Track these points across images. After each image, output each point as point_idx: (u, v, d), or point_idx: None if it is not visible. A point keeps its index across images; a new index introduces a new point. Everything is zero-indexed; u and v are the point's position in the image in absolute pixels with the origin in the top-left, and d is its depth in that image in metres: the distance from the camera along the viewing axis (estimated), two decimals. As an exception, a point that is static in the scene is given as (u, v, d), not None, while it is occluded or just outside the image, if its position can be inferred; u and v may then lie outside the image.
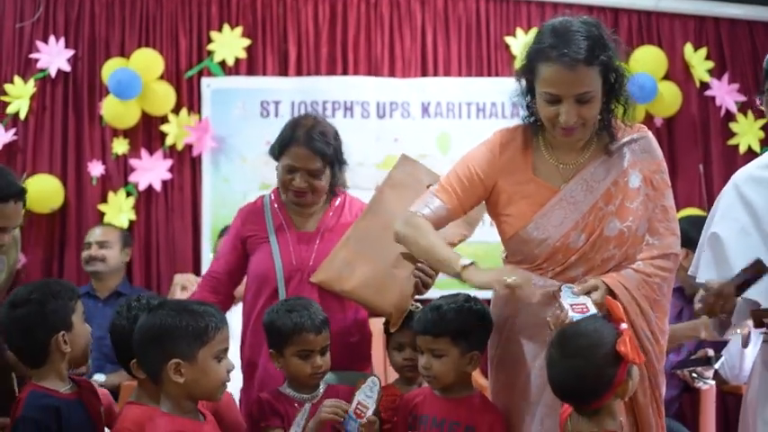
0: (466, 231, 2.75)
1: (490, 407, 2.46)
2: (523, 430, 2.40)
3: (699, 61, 4.83)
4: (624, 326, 2.05)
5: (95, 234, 4.39)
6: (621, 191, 2.37)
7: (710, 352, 3.29)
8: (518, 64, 2.41)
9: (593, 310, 2.17)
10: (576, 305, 2.18)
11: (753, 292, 2.24)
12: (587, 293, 2.26)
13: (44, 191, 4.58)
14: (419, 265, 2.67)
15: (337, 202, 2.91)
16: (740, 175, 2.39)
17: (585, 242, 2.35)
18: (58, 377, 2.29)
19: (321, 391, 2.52)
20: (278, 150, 2.84)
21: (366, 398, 2.38)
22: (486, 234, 2.98)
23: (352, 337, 2.80)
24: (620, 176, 2.38)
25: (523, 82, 2.38)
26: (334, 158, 2.82)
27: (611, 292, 2.28)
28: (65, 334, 2.27)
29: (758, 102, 2.38)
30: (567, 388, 2.05)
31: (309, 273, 2.76)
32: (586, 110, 2.29)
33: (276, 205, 2.90)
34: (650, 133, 2.48)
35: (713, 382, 3.38)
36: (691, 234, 3.29)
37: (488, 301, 2.56)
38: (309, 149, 2.76)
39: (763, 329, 2.22)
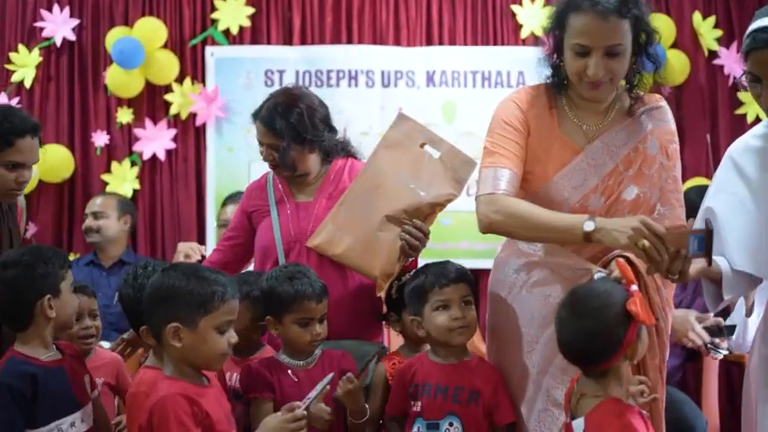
0: (454, 190, 2.69)
1: (489, 369, 2.48)
2: (525, 397, 2.40)
3: (707, 30, 4.78)
4: (635, 287, 2.03)
5: (93, 204, 4.40)
6: (641, 156, 2.36)
7: (722, 321, 3.27)
8: (545, 20, 2.38)
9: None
10: None
11: (746, 264, 2.22)
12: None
13: (55, 160, 4.59)
14: (405, 227, 2.64)
15: (337, 168, 2.90)
16: (736, 146, 2.36)
17: (603, 204, 2.34)
18: (41, 343, 2.27)
19: (316, 356, 2.51)
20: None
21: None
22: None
23: (357, 305, 2.77)
24: (640, 142, 2.37)
25: (551, 40, 2.36)
26: (291, 135, 2.77)
27: (631, 266, 2.22)
28: (51, 299, 2.26)
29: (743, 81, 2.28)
30: (577, 348, 2.04)
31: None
32: (615, 63, 2.26)
33: (277, 179, 2.92)
34: (666, 103, 2.48)
35: (727, 352, 3.35)
36: (698, 204, 3.27)
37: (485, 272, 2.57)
38: (264, 125, 2.81)
39: None
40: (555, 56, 2.37)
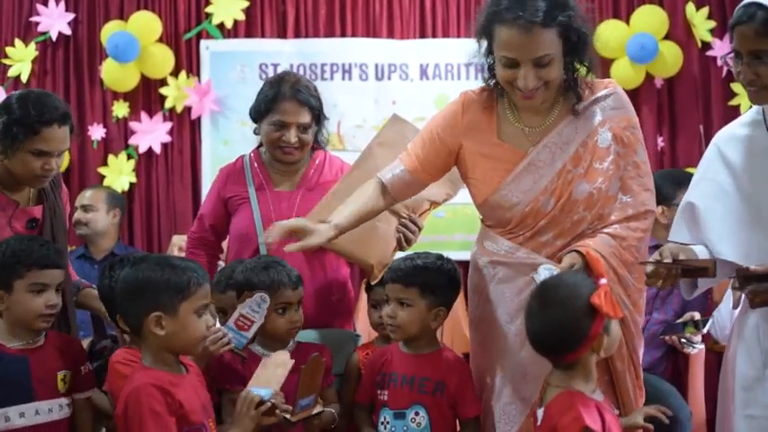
0: (450, 190, 2.75)
1: (457, 362, 2.51)
2: (495, 391, 2.41)
3: (700, 21, 4.77)
4: (603, 281, 2.04)
5: (83, 198, 4.42)
6: (590, 152, 2.32)
7: (697, 315, 3.28)
8: (476, 25, 2.33)
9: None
10: None
11: (729, 253, 2.24)
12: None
13: (50, 154, 4.63)
14: (402, 220, 2.71)
15: (318, 161, 2.93)
16: (721, 134, 2.36)
17: (554, 206, 2.32)
18: (10, 332, 2.36)
19: (290, 349, 2.51)
20: (264, 108, 2.85)
21: (252, 312, 2.42)
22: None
23: (333, 294, 2.83)
24: (588, 137, 2.33)
25: (483, 43, 2.31)
26: (320, 111, 2.85)
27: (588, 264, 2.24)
28: (4, 295, 2.34)
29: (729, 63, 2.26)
30: (544, 338, 2.06)
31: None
32: (546, 72, 2.23)
33: (256, 165, 2.92)
34: (620, 88, 2.41)
35: (702, 347, 3.37)
36: (664, 190, 3.28)
37: (465, 264, 2.59)
38: (298, 102, 2.79)
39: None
40: (488, 58, 2.32)
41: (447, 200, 2.81)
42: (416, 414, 2.43)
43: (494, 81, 2.36)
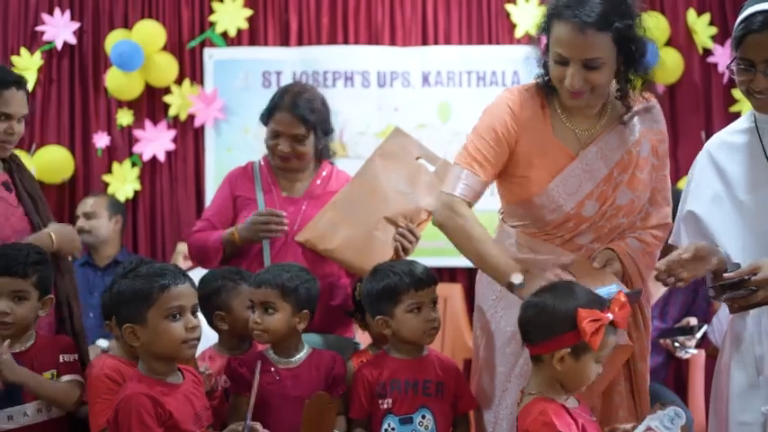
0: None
1: (447, 361, 2.55)
2: (495, 396, 2.45)
3: (702, 27, 4.78)
4: (610, 316, 2.05)
5: (85, 205, 4.45)
6: (633, 160, 2.36)
7: (693, 321, 3.30)
8: (538, 20, 2.36)
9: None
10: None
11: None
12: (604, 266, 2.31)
13: (55, 162, 4.68)
14: (400, 229, 2.76)
15: (324, 172, 2.97)
16: (713, 141, 2.36)
17: (598, 210, 2.35)
18: None
19: (303, 356, 2.56)
20: (266, 115, 2.93)
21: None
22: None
23: (333, 299, 2.85)
24: (632, 146, 2.37)
25: (543, 39, 2.34)
26: (317, 125, 2.89)
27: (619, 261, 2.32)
28: None
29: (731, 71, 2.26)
30: (526, 316, 2.12)
31: (293, 235, 2.83)
32: (594, 76, 2.23)
33: (265, 169, 2.97)
34: (657, 103, 2.47)
35: (695, 351, 3.38)
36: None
37: (468, 270, 2.61)
38: (292, 115, 2.85)
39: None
40: (546, 56, 2.34)
41: None
42: (423, 417, 2.44)
43: (547, 78, 2.36)
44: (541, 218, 2.38)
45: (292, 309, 2.50)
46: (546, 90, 2.39)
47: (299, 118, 2.84)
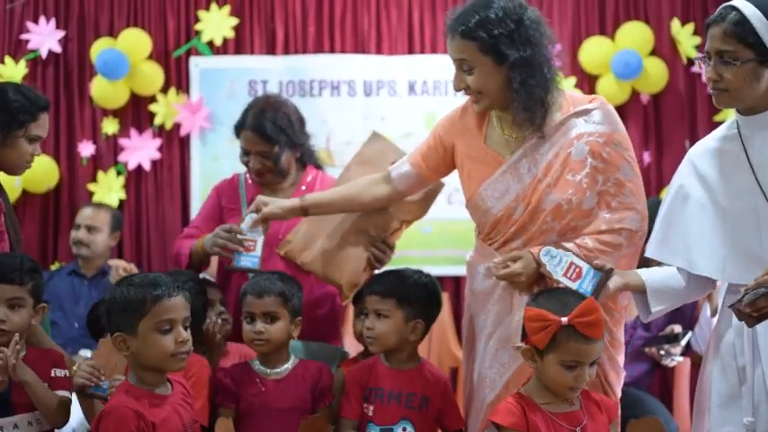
0: (420, 210, 2.77)
1: (438, 375, 2.56)
2: (475, 370, 2.47)
3: (685, 37, 4.81)
4: (564, 320, 2.09)
5: (85, 216, 4.39)
6: (563, 163, 2.38)
7: (677, 328, 3.31)
8: None
9: (585, 267, 2.24)
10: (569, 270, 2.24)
11: (706, 268, 2.26)
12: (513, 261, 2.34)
13: (40, 170, 4.62)
14: (371, 240, 2.74)
15: (309, 178, 2.97)
16: (695, 149, 2.36)
17: (523, 213, 2.40)
18: None
19: (290, 366, 2.55)
20: (235, 133, 2.97)
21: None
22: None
23: (320, 309, 2.86)
24: (562, 148, 2.39)
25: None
26: (281, 140, 2.87)
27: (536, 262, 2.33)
28: None
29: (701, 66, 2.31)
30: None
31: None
32: (471, 79, 2.40)
33: (250, 182, 2.98)
34: (608, 106, 2.46)
35: (681, 359, 3.40)
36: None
37: (453, 279, 2.62)
38: (255, 133, 2.87)
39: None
40: None
41: (418, 218, 2.83)
42: (404, 430, 2.46)
43: None
44: (479, 221, 2.51)
45: (290, 316, 2.50)
46: None
47: (262, 136, 2.86)
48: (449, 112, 2.61)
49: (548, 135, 2.42)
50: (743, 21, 2.12)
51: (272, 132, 2.85)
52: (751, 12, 2.11)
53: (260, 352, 2.56)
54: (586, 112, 2.43)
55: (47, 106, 2.67)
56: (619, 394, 2.44)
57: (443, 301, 4.56)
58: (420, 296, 2.56)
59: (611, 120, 2.44)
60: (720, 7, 2.19)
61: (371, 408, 2.49)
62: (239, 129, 2.92)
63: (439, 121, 2.63)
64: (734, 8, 2.14)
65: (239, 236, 2.65)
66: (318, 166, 3.04)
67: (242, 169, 3.05)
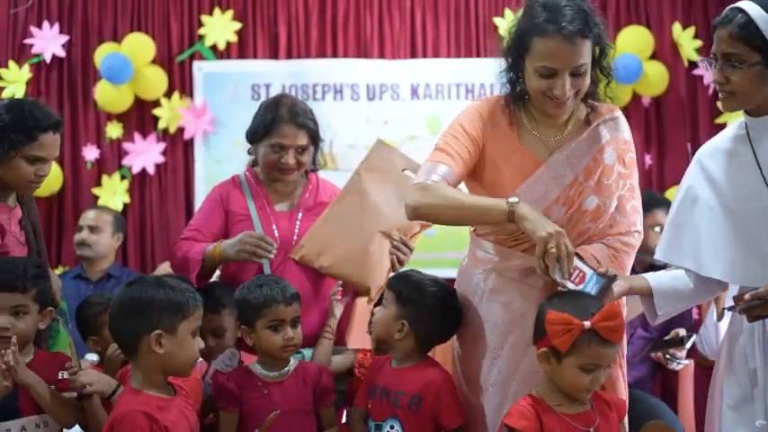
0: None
1: (438, 374, 2.49)
2: (495, 405, 2.43)
3: (686, 40, 4.83)
4: (587, 324, 2.11)
5: (88, 217, 4.41)
6: (600, 166, 2.41)
7: (682, 332, 3.32)
8: (506, 41, 2.40)
9: (588, 272, 2.24)
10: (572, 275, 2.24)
11: (716, 271, 2.26)
12: None
13: (43, 174, 4.65)
14: (395, 243, 2.80)
15: (312, 183, 2.99)
16: (704, 149, 2.37)
17: (564, 215, 2.39)
18: None
19: (291, 368, 2.56)
20: (263, 131, 2.87)
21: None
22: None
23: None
24: (598, 152, 2.42)
25: (510, 59, 2.38)
26: (317, 134, 2.91)
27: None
28: None
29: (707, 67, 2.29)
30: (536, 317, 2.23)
31: (292, 250, 2.84)
32: (580, 81, 2.32)
33: (253, 182, 2.95)
34: (622, 114, 2.53)
35: (687, 362, 3.40)
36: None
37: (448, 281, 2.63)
38: (297, 126, 2.85)
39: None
40: (512, 73, 2.40)
41: (426, 228, 2.90)
42: (391, 428, 2.46)
43: (513, 95, 2.41)
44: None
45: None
46: (514, 103, 2.44)
47: (303, 128, 2.85)
48: (468, 113, 2.45)
49: (585, 138, 2.43)
50: (750, 23, 2.12)
51: (311, 125, 2.87)
52: (758, 14, 2.12)
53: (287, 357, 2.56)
54: (613, 119, 2.48)
55: (51, 126, 2.59)
56: (625, 392, 2.45)
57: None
58: (415, 300, 2.50)
59: (626, 128, 2.51)
60: (727, 9, 2.19)
61: (370, 402, 2.53)
62: (270, 126, 2.83)
63: (461, 122, 2.43)
64: (741, 10, 2.15)
65: None
66: (314, 170, 3.04)
67: (240, 173, 3.02)
